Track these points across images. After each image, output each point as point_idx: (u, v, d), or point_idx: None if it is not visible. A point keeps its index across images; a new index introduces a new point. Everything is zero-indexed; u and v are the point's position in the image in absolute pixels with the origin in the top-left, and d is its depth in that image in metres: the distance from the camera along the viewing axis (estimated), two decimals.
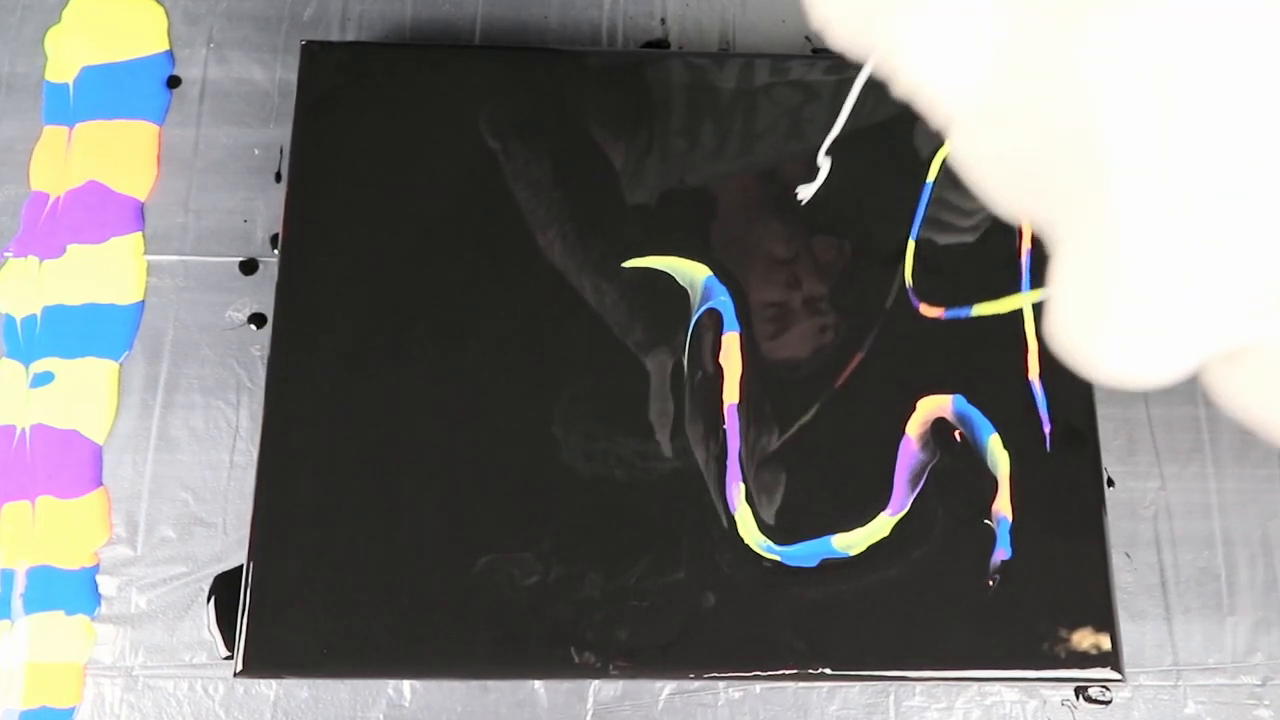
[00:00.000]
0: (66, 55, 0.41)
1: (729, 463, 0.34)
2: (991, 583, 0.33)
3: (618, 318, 0.36)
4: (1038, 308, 0.36)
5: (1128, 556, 0.37)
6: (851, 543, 0.34)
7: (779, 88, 0.38)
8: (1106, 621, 0.33)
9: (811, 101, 0.38)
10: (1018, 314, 0.36)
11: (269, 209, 0.40)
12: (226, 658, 0.35)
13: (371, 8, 0.42)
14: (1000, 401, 0.35)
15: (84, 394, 0.37)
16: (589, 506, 0.34)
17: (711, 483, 0.34)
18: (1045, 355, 0.36)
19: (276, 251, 0.37)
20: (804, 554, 0.34)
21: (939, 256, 0.37)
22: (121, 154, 0.40)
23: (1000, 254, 0.37)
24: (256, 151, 0.40)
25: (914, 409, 0.35)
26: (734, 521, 0.34)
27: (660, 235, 0.36)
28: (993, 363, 0.36)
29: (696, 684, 0.35)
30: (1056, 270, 0.13)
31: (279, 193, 0.39)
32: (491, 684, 0.35)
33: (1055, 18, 0.12)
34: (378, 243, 0.36)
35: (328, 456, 0.34)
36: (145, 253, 0.39)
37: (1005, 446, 0.35)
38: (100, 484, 0.37)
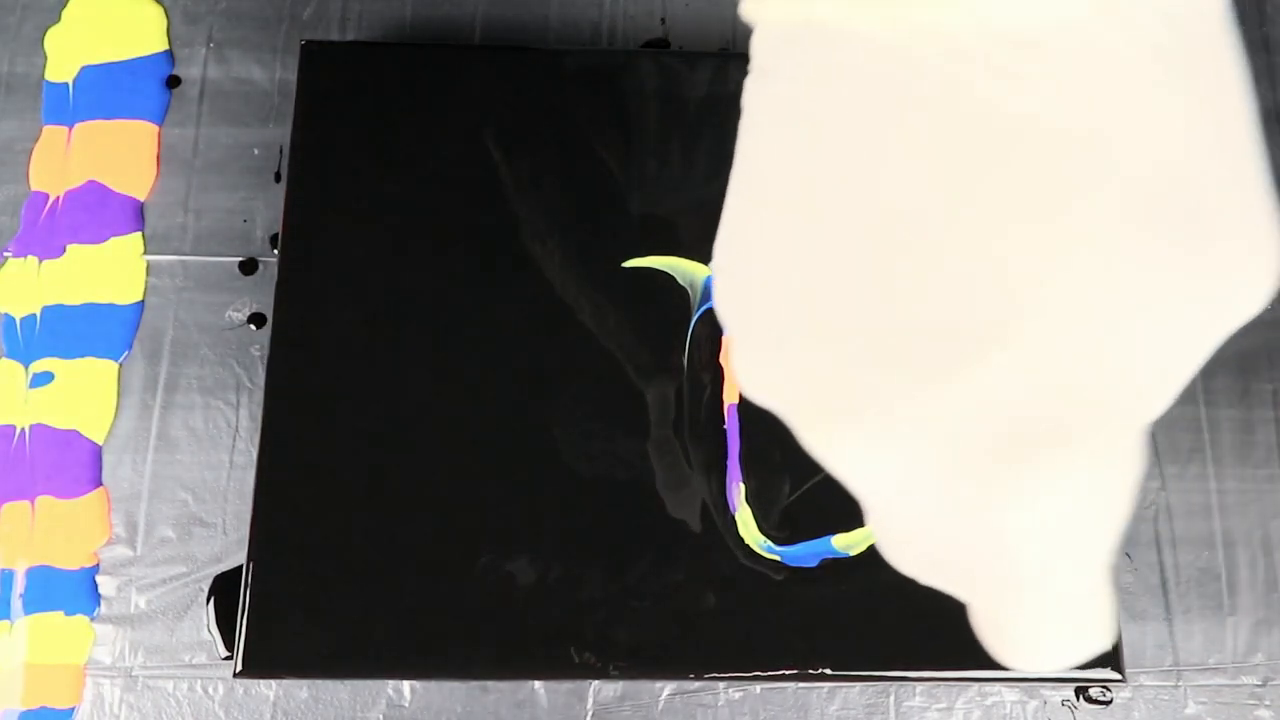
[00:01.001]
0: (66, 55, 0.41)
1: (729, 463, 0.34)
2: None
3: (616, 318, 0.36)
4: None
5: (1128, 557, 0.37)
6: (852, 543, 0.34)
7: None
8: None
9: None
10: None
11: (268, 209, 0.40)
12: (226, 658, 0.35)
13: (371, 7, 0.42)
14: None
15: (83, 394, 0.37)
16: (589, 506, 0.34)
17: (711, 483, 0.34)
18: None
19: (276, 251, 0.37)
20: (804, 554, 0.34)
21: None
22: (121, 154, 0.40)
23: None
24: (256, 151, 0.40)
25: None
26: (734, 521, 0.34)
27: (660, 239, 0.36)
28: None
29: (696, 684, 0.35)
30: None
31: (278, 192, 0.39)
32: (491, 684, 0.35)
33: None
34: (377, 242, 0.36)
35: (327, 457, 0.34)
36: (145, 253, 0.39)
37: None
38: (100, 484, 0.37)
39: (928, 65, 0.17)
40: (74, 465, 0.37)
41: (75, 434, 0.37)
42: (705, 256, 0.36)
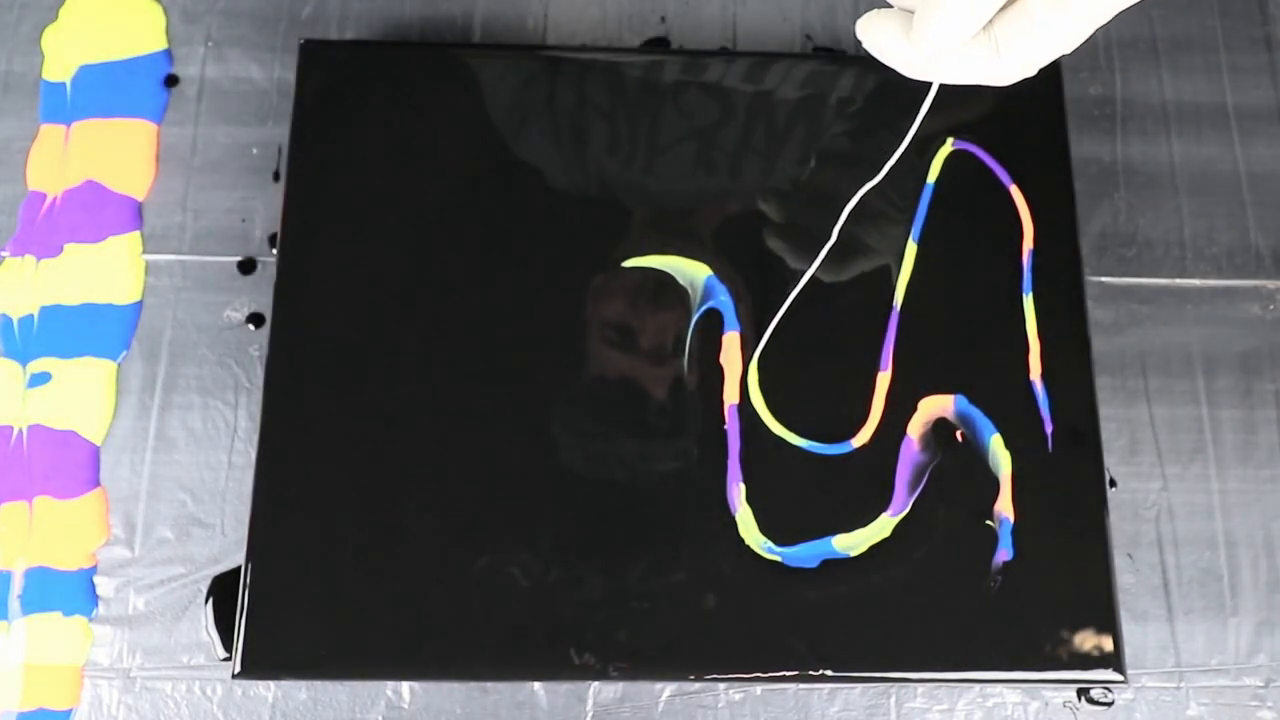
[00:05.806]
0: (64, 54, 0.41)
1: (729, 463, 0.34)
2: (993, 584, 0.33)
3: (616, 318, 0.36)
4: (1038, 307, 0.36)
5: (1130, 557, 0.37)
6: (852, 543, 0.34)
7: (782, 86, 0.38)
8: (1109, 623, 0.33)
9: (814, 100, 0.38)
10: (1019, 314, 0.36)
11: (267, 208, 0.39)
12: (225, 659, 0.35)
13: (370, 6, 0.42)
14: (1002, 402, 0.35)
15: (81, 394, 0.37)
16: (589, 506, 0.34)
17: (711, 483, 0.34)
18: (1047, 355, 0.35)
19: (274, 251, 0.37)
20: (805, 555, 0.33)
21: (941, 258, 0.37)
22: (119, 153, 0.40)
23: (1002, 254, 0.37)
24: (254, 150, 0.40)
25: (915, 409, 0.35)
26: (734, 521, 0.34)
27: (660, 238, 0.36)
28: (994, 363, 0.36)
29: (697, 685, 0.35)
30: None
31: (277, 192, 0.39)
32: (491, 685, 0.35)
33: None
34: (376, 242, 0.36)
35: (326, 457, 0.34)
36: (143, 252, 0.39)
37: (1007, 447, 0.34)
38: (98, 484, 0.37)
39: None
40: (72, 466, 0.37)
41: (73, 434, 0.37)
42: (705, 256, 0.36)
